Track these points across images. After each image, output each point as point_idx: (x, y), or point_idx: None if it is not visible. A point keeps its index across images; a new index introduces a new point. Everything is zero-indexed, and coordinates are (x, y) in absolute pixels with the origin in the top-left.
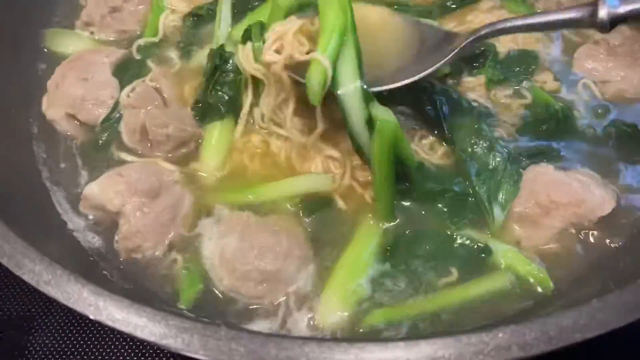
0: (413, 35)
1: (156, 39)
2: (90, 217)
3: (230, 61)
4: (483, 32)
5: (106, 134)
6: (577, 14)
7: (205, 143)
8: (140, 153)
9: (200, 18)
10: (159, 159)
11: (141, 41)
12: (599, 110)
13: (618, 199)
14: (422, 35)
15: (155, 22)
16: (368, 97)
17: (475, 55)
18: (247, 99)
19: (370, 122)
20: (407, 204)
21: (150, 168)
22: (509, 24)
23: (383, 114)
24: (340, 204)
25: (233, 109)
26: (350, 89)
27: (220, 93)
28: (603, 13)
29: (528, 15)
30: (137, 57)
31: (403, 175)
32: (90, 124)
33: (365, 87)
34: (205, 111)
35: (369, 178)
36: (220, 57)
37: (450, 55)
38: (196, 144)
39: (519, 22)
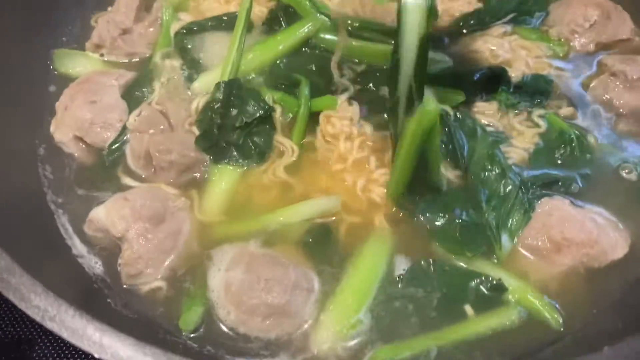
0: None
1: (170, 48)
2: (94, 240)
3: (252, 104)
4: None
5: (113, 157)
6: None
7: (211, 187)
8: (145, 178)
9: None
10: (164, 185)
11: (157, 55)
12: (613, 143)
13: (631, 243)
14: None
15: (167, 33)
16: (432, 10)
17: (488, 79)
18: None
19: (424, 42)
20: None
21: (155, 193)
22: None
23: (432, 101)
24: (345, 231)
25: (248, 155)
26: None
27: (234, 135)
28: None
29: None
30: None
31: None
32: (97, 146)
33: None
34: (216, 150)
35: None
36: (234, 94)
37: None
38: (200, 170)
39: None
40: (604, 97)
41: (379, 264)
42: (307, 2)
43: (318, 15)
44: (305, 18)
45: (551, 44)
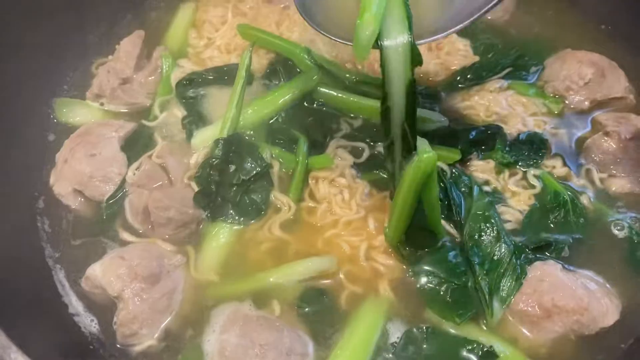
0: None
1: (170, 97)
2: (91, 296)
3: (250, 161)
4: None
5: (111, 211)
6: None
7: (207, 245)
8: (142, 233)
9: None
10: (160, 241)
11: (157, 105)
12: (606, 204)
13: (622, 310)
14: None
15: (167, 82)
16: (414, 57)
17: (485, 138)
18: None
19: (410, 88)
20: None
21: (152, 251)
22: None
23: (427, 147)
24: (341, 295)
25: (244, 212)
26: (397, 41)
27: (231, 192)
28: None
29: None
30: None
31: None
32: (96, 200)
33: (413, 41)
34: (213, 207)
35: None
36: (232, 150)
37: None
38: (197, 226)
39: None
40: (598, 157)
41: (373, 329)
42: (305, 56)
43: (317, 69)
44: (305, 72)
45: (546, 101)
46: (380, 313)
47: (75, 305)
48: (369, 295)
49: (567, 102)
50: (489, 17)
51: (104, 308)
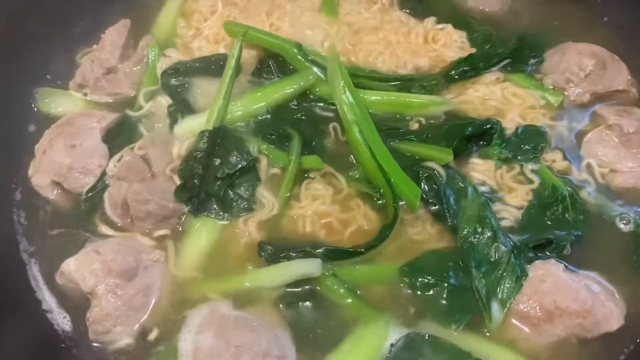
0: None
1: (155, 87)
2: (66, 290)
3: (235, 155)
4: None
5: (90, 204)
6: None
7: (188, 241)
8: (121, 227)
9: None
10: (140, 235)
11: (142, 95)
12: (608, 198)
13: (626, 313)
14: None
15: (153, 72)
16: None
17: (481, 132)
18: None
19: None
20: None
21: (129, 245)
22: None
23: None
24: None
25: (228, 207)
26: None
27: (215, 187)
28: None
29: None
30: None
31: None
32: (75, 192)
33: None
34: (195, 202)
35: None
36: (217, 143)
37: None
38: (178, 220)
39: None
40: (599, 151)
41: (370, 336)
42: (296, 51)
43: (313, 68)
44: (301, 72)
45: (546, 94)
46: (379, 318)
47: (49, 301)
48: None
49: (566, 94)
50: (487, 9)
51: (78, 305)
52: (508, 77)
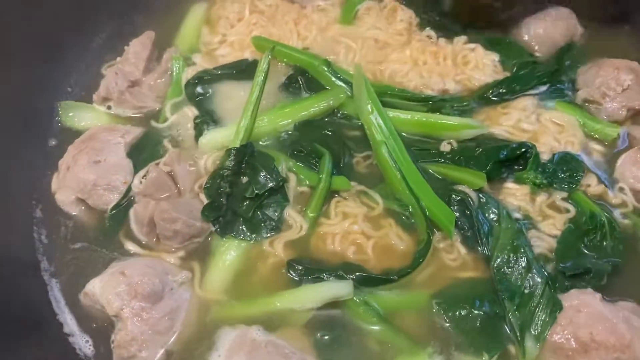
0: None
1: (180, 98)
2: (89, 311)
3: (264, 174)
4: None
5: (115, 222)
6: None
7: (214, 262)
8: (146, 244)
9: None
10: (165, 254)
11: (167, 107)
12: None
13: None
14: None
15: (178, 84)
16: None
17: (516, 156)
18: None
19: None
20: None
21: (155, 266)
22: None
23: None
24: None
25: (257, 228)
26: None
27: (244, 206)
28: None
29: None
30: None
31: None
32: (99, 209)
33: None
34: (222, 222)
35: None
36: (245, 161)
37: None
38: (205, 238)
39: None
40: (633, 174)
41: None
42: (325, 69)
43: (342, 85)
44: (331, 90)
45: (598, 125)
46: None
47: (71, 324)
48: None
49: (602, 107)
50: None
51: (101, 327)
52: (544, 103)
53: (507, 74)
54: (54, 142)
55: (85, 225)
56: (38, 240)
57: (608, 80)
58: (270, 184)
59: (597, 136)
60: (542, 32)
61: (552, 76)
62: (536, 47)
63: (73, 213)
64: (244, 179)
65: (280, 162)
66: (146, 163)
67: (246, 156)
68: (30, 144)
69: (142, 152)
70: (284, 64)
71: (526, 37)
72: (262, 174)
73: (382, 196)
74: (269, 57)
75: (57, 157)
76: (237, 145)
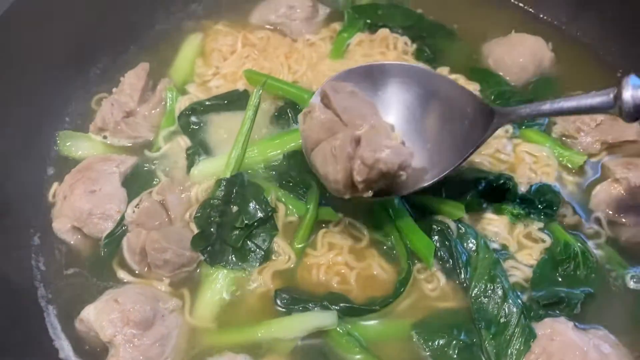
0: (459, 106)
1: (173, 128)
2: (84, 336)
3: (254, 205)
4: (516, 116)
5: (109, 250)
6: (602, 98)
7: (203, 290)
8: (138, 273)
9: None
10: (157, 282)
11: (160, 137)
12: (619, 256)
13: None
14: (464, 105)
15: (172, 115)
16: None
17: (494, 188)
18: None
19: None
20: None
21: (147, 294)
22: (539, 108)
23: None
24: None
25: (245, 258)
26: None
27: (233, 236)
28: (627, 95)
29: (556, 100)
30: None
31: None
32: (94, 237)
33: None
34: (212, 251)
35: None
36: (235, 192)
37: (486, 135)
38: (195, 267)
39: (547, 107)
40: (607, 205)
41: None
42: None
43: None
44: None
45: (567, 153)
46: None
47: (66, 349)
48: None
49: (577, 141)
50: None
51: (95, 353)
52: (523, 133)
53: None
54: (51, 171)
55: (80, 252)
56: (36, 268)
57: (583, 115)
58: (260, 214)
59: (565, 162)
60: (507, 58)
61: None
62: (501, 73)
63: (69, 241)
64: (234, 209)
65: (270, 192)
66: (139, 191)
67: (236, 186)
68: (29, 172)
69: (136, 181)
70: (274, 96)
71: (491, 63)
72: (252, 204)
73: (367, 226)
74: (260, 92)
75: (55, 186)
76: (228, 175)
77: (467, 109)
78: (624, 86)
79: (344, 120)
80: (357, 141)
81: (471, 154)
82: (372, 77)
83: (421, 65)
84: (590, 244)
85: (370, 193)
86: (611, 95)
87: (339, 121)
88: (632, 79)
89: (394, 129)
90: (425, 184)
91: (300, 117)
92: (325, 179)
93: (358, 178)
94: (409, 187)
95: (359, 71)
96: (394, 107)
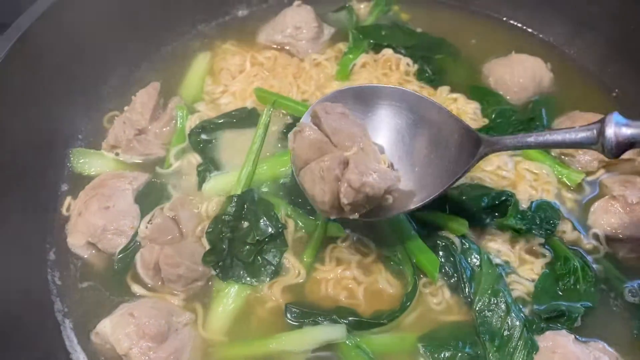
0: (447, 132)
1: (184, 145)
2: (100, 349)
3: (265, 221)
4: (501, 145)
5: (123, 265)
6: (586, 133)
7: (216, 304)
8: (151, 287)
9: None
10: (170, 296)
11: (172, 154)
12: (617, 271)
13: None
14: (452, 131)
15: (182, 132)
16: None
17: (496, 204)
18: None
19: None
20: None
21: (161, 308)
22: (524, 139)
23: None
24: None
25: (256, 273)
26: None
27: (244, 251)
28: (610, 132)
29: (541, 133)
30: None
31: None
32: (108, 252)
33: None
34: (223, 267)
35: None
36: (246, 208)
37: (472, 163)
38: (207, 281)
39: (533, 139)
40: (605, 221)
41: None
42: None
43: None
44: None
45: (562, 175)
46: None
47: None
48: None
49: (575, 159)
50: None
51: None
52: (524, 151)
53: (487, 121)
54: (65, 187)
55: (95, 267)
56: (52, 282)
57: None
58: (271, 230)
59: (564, 180)
60: (508, 77)
61: (527, 124)
62: (501, 92)
63: (84, 256)
64: (245, 224)
65: (280, 209)
66: (152, 207)
67: (247, 202)
68: (43, 189)
69: (148, 197)
70: (283, 113)
71: (492, 83)
72: (263, 220)
73: (374, 242)
74: (270, 111)
75: (69, 202)
76: (239, 191)
77: (455, 135)
78: (607, 123)
79: (333, 141)
80: (345, 163)
81: (456, 180)
82: (363, 98)
83: (412, 89)
84: (589, 259)
85: (356, 215)
86: (594, 132)
87: (329, 142)
88: (614, 116)
89: (383, 151)
90: (412, 207)
91: (290, 135)
92: (312, 199)
93: (345, 200)
94: (395, 210)
95: (350, 92)
96: (383, 130)
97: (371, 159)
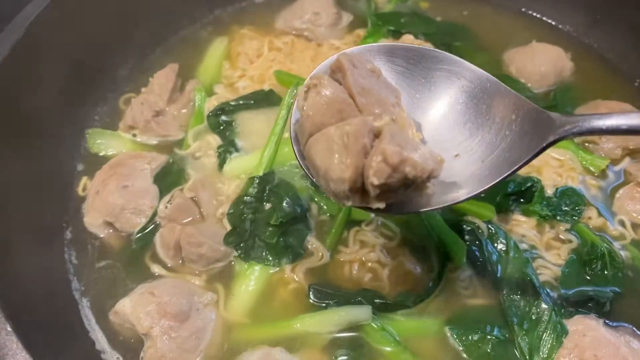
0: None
1: (202, 126)
2: (119, 328)
3: (288, 203)
4: (577, 129)
5: (141, 244)
6: None
7: (238, 285)
8: (171, 267)
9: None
10: (190, 276)
11: (190, 135)
12: None
13: None
14: (511, 111)
15: (200, 114)
16: None
17: (522, 191)
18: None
19: None
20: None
21: (182, 287)
22: (607, 122)
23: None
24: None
25: (280, 254)
26: None
27: (267, 232)
28: None
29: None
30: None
31: None
32: (126, 232)
33: None
34: (245, 247)
35: None
36: (268, 189)
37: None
38: (228, 262)
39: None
40: (631, 208)
41: None
42: None
43: None
44: None
45: (586, 161)
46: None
47: (102, 341)
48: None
49: (599, 146)
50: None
51: (130, 345)
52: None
53: None
54: (81, 167)
55: (112, 247)
56: (69, 261)
57: None
58: (294, 212)
59: (588, 166)
60: (529, 66)
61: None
62: (522, 80)
63: (101, 235)
64: (267, 206)
65: (302, 191)
66: (171, 189)
67: (269, 184)
68: (59, 169)
69: (167, 178)
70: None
71: (513, 71)
72: (286, 202)
73: (399, 226)
74: (295, 92)
75: (85, 182)
76: (261, 173)
77: (513, 116)
78: None
79: (358, 104)
80: (377, 133)
81: (515, 171)
82: (401, 59)
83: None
84: (616, 245)
85: (382, 204)
86: None
87: (352, 104)
88: None
89: (420, 129)
90: (446, 205)
91: (300, 91)
92: (324, 175)
93: (374, 180)
94: (427, 205)
95: (385, 49)
96: (422, 102)
97: (406, 135)
